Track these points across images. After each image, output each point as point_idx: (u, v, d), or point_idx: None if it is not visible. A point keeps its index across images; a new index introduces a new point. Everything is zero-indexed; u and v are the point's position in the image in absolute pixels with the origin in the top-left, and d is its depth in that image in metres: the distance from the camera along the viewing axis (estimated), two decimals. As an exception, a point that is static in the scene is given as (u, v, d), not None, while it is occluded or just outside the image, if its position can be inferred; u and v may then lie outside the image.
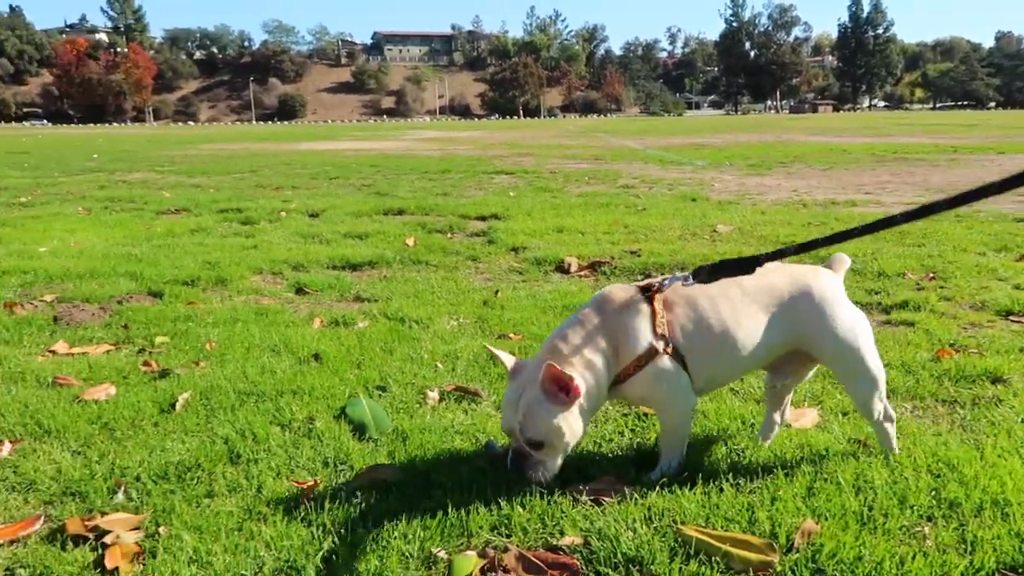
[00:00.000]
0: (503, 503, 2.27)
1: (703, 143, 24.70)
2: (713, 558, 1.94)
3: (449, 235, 7.11)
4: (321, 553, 2.01)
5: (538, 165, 16.10)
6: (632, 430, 2.77)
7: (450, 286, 5.07)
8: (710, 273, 2.24)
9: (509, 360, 2.35)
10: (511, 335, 3.93)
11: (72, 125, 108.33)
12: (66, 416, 2.92)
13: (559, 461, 2.29)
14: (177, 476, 2.47)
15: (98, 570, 2.00)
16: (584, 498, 2.26)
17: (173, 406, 3.01)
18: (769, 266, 2.33)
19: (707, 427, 2.76)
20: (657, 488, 2.31)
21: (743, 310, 2.32)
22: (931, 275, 5.05)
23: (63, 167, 17.13)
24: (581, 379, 2.22)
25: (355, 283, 5.25)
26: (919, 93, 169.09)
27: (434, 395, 3.10)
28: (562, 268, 5.61)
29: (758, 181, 12.01)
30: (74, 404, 3.05)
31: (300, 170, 15.43)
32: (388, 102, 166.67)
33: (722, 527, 2.09)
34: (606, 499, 2.26)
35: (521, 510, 2.22)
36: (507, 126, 54.09)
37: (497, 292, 4.79)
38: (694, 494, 2.25)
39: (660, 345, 2.25)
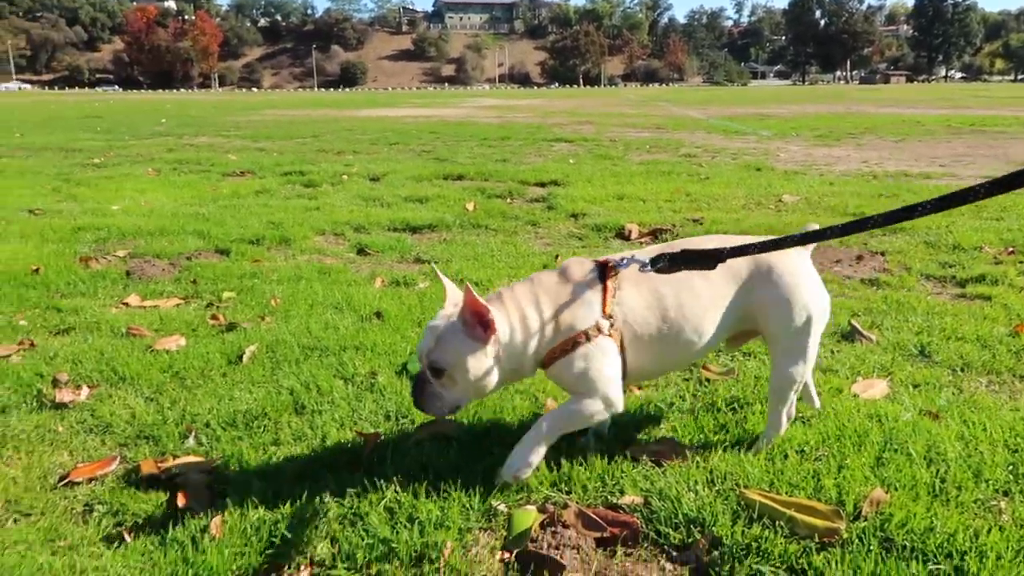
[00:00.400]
0: (563, 461, 2.28)
1: (768, 113, 24.06)
2: (777, 523, 1.91)
3: (509, 200, 7.09)
4: (384, 502, 2.05)
5: (598, 133, 15.91)
6: (694, 395, 2.74)
7: (509, 250, 5.06)
8: (670, 263, 2.06)
9: (451, 287, 2.21)
10: (571, 299, 3.91)
11: (142, 91, 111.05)
12: (139, 364, 3.01)
13: (459, 400, 2.12)
14: (245, 424, 2.53)
15: (170, 509, 2.08)
16: (644, 459, 2.24)
17: (240, 358, 3.08)
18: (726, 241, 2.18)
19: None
20: (720, 452, 2.28)
21: (704, 298, 2.18)
22: (1010, 249, 4.84)
23: (133, 131, 17.59)
24: (507, 325, 2.10)
25: (415, 245, 5.28)
26: (1000, 64, 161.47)
27: (494, 355, 3.11)
28: (622, 234, 5.54)
29: (826, 152, 11.66)
30: (147, 353, 3.15)
31: (361, 136, 15.55)
32: (448, 70, 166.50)
33: (786, 493, 2.06)
34: (667, 461, 2.24)
35: (581, 468, 2.21)
36: (567, 95, 53.56)
37: (557, 257, 4.76)
38: (758, 459, 2.22)
39: (606, 324, 2.11)
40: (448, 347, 2.06)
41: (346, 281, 4.29)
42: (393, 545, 1.87)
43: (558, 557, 1.88)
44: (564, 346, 2.11)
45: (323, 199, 7.11)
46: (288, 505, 2.05)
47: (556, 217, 6.20)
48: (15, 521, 2.04)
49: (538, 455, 2.13)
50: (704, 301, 2.18)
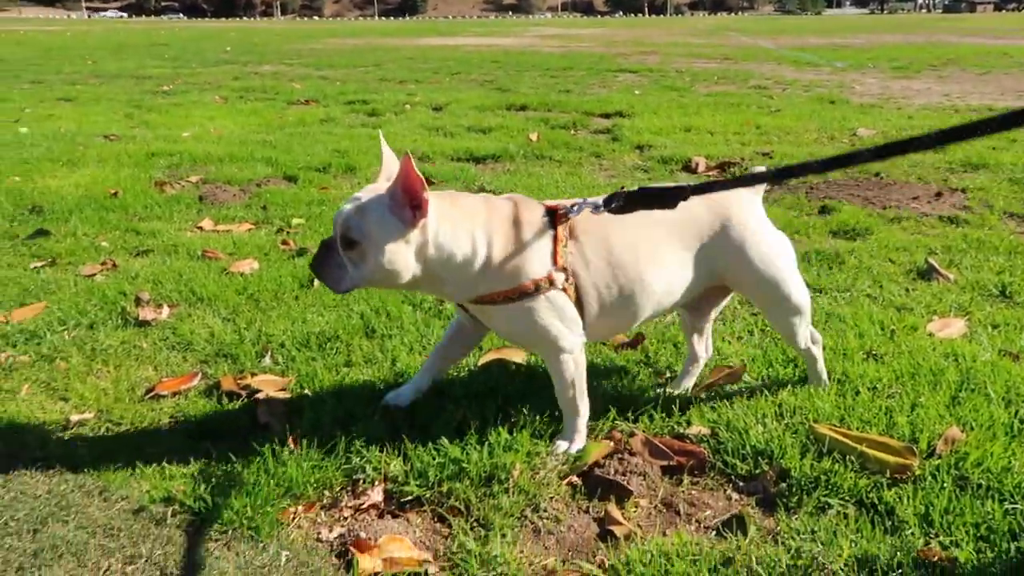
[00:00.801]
0: (632, 390, 2.29)
1: (843, 44, 23.00)
2: (848, 457, 1.90)
3: (572, 131, 6.99)
4: (453, 424, 2.10)
5: (663, 64, 15.46)
6: (762, 330, 2.70)
7: (574, 181, 5.01)
8: (625, 201, 1.85)
9: (390, 160, 1.96)
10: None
11: (205, 19, 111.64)
12: (216, 286, 3.11)
13: (361, 280, 1.87)
14: (318, 346, 2.61)
15: (250, 424, 2.17)
16: (711, 391, 2.24)
17: (311, 282, 3.15)
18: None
19: (842, 329, 2.66)
20: (789, 386, 2.26)
21: (662, 249, 2.01)
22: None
23: (199, 58, 17.77)
24: (445, 223, 1.86)
25: (479, 175, 5.27)
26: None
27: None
28: (689, 167, 5.43)
29: (904, 85, 11.14)
30: (222, 275, 3.25)
31: (422, 65, 15.42)
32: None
33: (858, 429, 2.04)
34: (735, 393, 2.23)
35: (647, 399, 2.23)
36: (630, 24, 52.01)
37: (622, 188, 4.69)
38: (828, 394, 2.20)
39: (560, 277, 1.91)
40: (369, 219, 1.81)
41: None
42: (464, 465, 1.93)
43: (625, 483, 1.91)
44: (509, 293, 1.90)
45: (387, 128, 7.12)
46: (362, 424, 2.11)
47: (621, 149, 6.10)
48: (107, 430, 2.16)
49: (583, 422, 2.06)
50: (663, 252, 2.01)
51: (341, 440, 2.03)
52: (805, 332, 2.16)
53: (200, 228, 4.02)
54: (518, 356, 2.48)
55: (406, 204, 1.80)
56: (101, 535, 1.70)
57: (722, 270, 2.09)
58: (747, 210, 2.08)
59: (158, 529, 1.72)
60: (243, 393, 2.31)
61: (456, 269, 1.90)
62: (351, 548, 1.69)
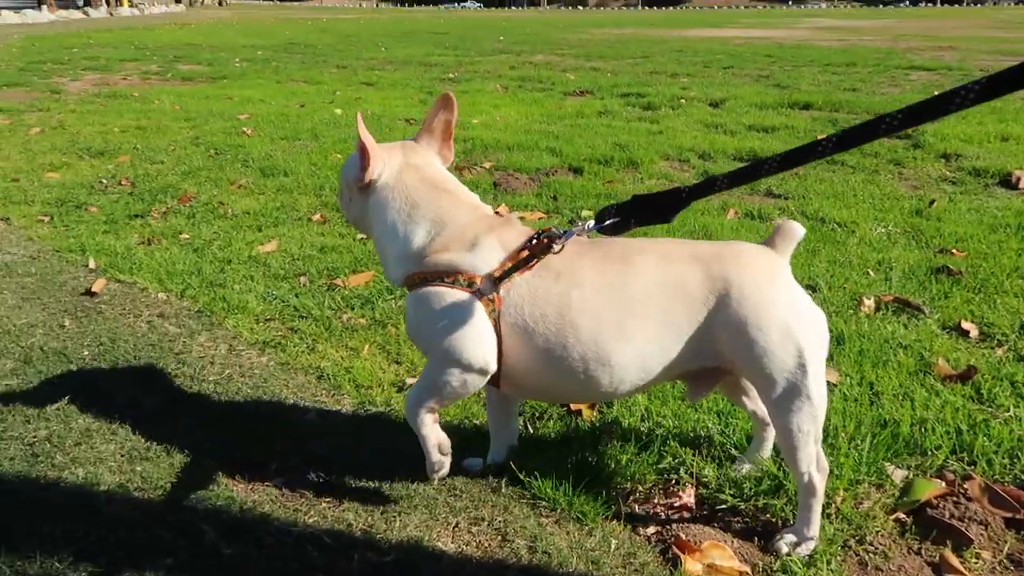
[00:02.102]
0: (963, 427, 2.12)
1: None
2: None
3: (864, 135, 6.53)
4: (770, 440, 2.06)
5: (964, 61, 13.92)
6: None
7: (872, 191, 4.69)
8: (617, 212, 1.67)
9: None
10: (953, 251, 3.55)
11: (477, 8, 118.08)
12: (520, 271, 3.30)
13: (345, 216, 1.98)
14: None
15: (565, 408, 2.28)
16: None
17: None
18: (679, 245, 1.72)
19: None
20: None
21: (634, 322, 1.64)
22: None
23: (476, 47, 18.82)
24: (387, 177, 1.77)
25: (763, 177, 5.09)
26: None
27: (870, 303, 2.95)
28: (1008, 182, 4.86)
29: None
30: (524, 261, 3.43)
31: (692, 57, 15.16)
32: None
33: None
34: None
35: (986, 440, 2.05)
36: (921, 14, 47.28)
37: (932, 202, 4.32)
38: None
39: (487, 285, 1.66)
40: (345, 167, 1.88)
41: (698, 209, 4.28)
42: (782, 481, 1.90)
43: (963, 529, 1.78)
44: (420, 275, 1.71)
45: (664, 123, 7.10)
46: (672, 422, 2.15)
47: (924, 157, 5.60)
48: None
49: (430, 445, 1.77)
50: (634, 325, 1.65)
51: (656, 439, 2.08)
52: (812, 451, 1.66)
53: (498, 213, 4.27)
54: (831, 375, 2.39)
55: (359, 156, 1.77)
56: (446, 493, 1.89)
57: (721, 351, 1.67)
58: (759, 275, 1.65)
59: (495, 496, 1.88)
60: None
61: (383, 242, 1.80)
62: (673, 547, 1.73)
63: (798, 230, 1.72)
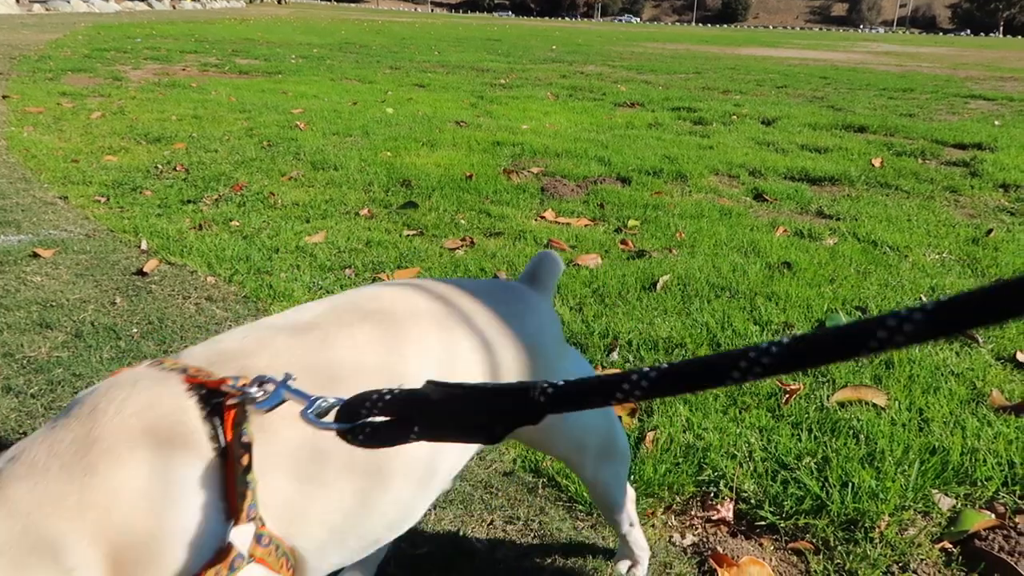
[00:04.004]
0: (1016, 460, 2.05)
1: None
2: None
3: (921, 160, 6.40)
4: (813, 461, 2.02)
5: (1027, 92, 13.59)
6: None
7: (926, 216, 4.59)
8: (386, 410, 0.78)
9: None
10: (1010, 282, 3.45)
11: (531, 17, 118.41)
12: (564, 276, 3.29)
13: None
14: (665, 350, 2.65)
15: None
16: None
17: (654, 285, 3.21)
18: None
19: None
20: None
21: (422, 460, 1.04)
22: None
23: (528, 56, 18.87)
24: None
25: (815, 197, 5.02)
26: None
27: (921, 329, 2.87)
28: (1070, 216, 4.72)
29: None
30: (568, 267, 3.42)
31: (745, 75, 15.03)
32: (839, 9, 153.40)
33: None
34: None
35: (1039, 475, 1.98)
36: (981, 44, 46.36)
37: (990, 231, 4.21)
38: None
39: (246, 545, 0.82)
40: None
41: (747, 225, 4.23)
42: (825, 502, 1.85)
43: (1014, 563, 1.72)
44: None
45: (716, 138, 7.04)
46: (713, 435, 2.12)
47: (981, 186, 5.47)
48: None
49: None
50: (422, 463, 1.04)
51: (694, 451, 2.05)
52: (631, 507, 1.54)
53: (543, 218, 4.28)
54: (879, 398, 2.33)
55: None
56: (482, 490, 1.88)
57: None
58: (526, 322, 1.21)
59: (531, 497, 1.86)
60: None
61: None
62: (710, 560, 1.70)
63: (558, 263, 1.37)
